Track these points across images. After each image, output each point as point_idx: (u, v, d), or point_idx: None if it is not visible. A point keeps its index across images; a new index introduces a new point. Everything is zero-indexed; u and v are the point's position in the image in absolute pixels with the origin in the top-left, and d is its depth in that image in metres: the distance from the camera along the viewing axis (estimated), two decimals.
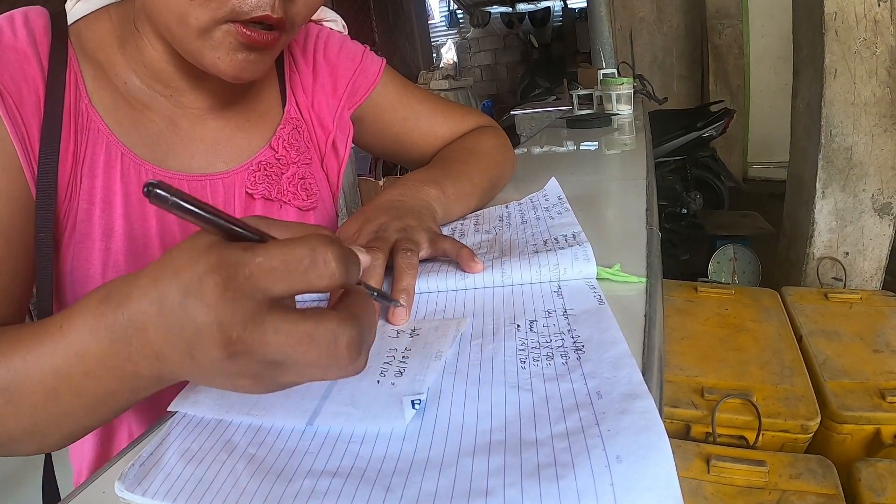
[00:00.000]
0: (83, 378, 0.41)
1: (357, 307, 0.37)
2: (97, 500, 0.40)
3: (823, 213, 2.42)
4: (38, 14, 0.65)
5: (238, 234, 0.35)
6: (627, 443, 0.34)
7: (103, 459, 0.77)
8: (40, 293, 0.65)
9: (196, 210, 0.32)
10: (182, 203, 0.31)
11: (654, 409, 0.37)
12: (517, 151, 1.52)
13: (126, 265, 0.67)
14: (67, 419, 0.44)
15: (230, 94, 0.76)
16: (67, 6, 0.69)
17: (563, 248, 0.63)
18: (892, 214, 2.36)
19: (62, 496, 0.44)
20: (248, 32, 0.58)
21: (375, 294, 0.48)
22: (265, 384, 0.37)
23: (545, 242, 0.67)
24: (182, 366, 0.37)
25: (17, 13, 0.64)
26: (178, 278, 0.34)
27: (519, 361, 0.46)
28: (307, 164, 0.81)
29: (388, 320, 0.56)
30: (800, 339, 1.74)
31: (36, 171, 0.61)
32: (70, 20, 0.68)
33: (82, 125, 0.65)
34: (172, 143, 0.72)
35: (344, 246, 0.36)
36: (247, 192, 0.75)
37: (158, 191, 0.30)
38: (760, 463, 1.26)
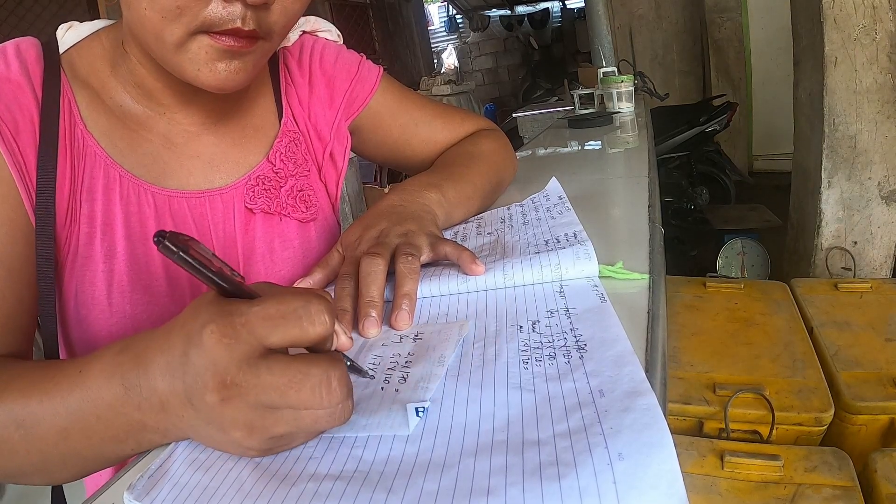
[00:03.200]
0: (94, 421, 0.43)
1: (337, 357, 0.40)
2: None
3: (830, 202, 2.40)
4: (29, 44, 0.66)
5: (235, 292, 0.39)
6: (630, 441, 0.34)
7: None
8: (43, 319, 0.66)
9: (196, 266, 0.35)
10: (185, 257, 0.34)
11: (656, 406, 0.37)
12: (520, 154, 1.52)
13: (130, 285, 0.68)
14: (75, 459, 0.47)
15: (223, 109, 0.76)
16: (58, 34, 0.69)
17: (564, 248, 0.63)
18: None
19: None
20: (224, 38, 0.58)
21: (349, 364, 0.46)
22: (258, 436, 0.39)
23: (546, 242, 0.67)
24: (183, 417, 0.40)
25: (9, 45, 0.65)
26: (183, 329, 0.38)
27: (521, 362, 0.46)
28: (305, 175, 0.81)
29: (391, 325, 0.56)
30: (811, 330, 1.73)
31: (34, 199, 0.62)
32: (62, 48, 0.69)
33: (78, 151, 0.66)
34: (169, 161, 0.72)
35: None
36: (246, 206, 0.76)
37: (167, 243, 0.33)
38: (775, 457, 1.25)
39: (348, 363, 0.45)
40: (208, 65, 0.59)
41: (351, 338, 0.48)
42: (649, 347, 0.48)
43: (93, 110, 0.68)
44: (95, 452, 0.46)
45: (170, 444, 0.45)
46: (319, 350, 0.41)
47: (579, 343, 0.47)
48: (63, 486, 0.70)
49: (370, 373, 0.48)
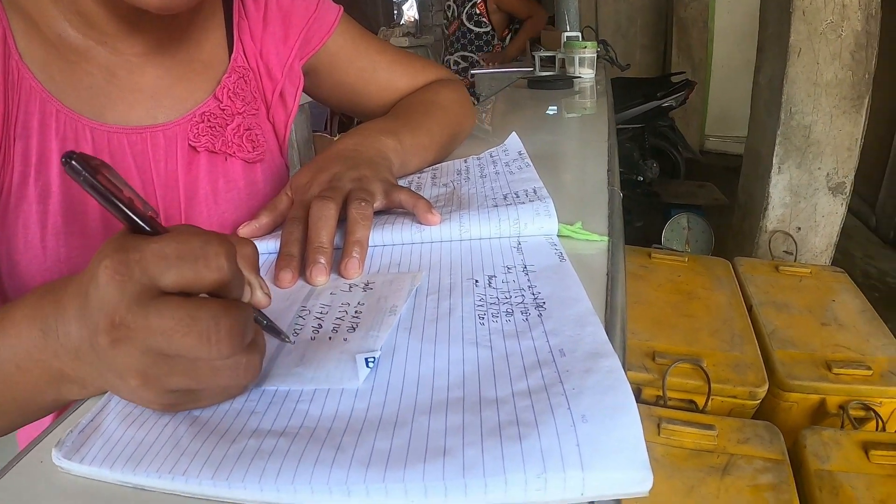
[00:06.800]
0: (14, 370, 0.40)
1: (239, 304, 0.36)
2: (35, 470, 0.37)
3: (778, 187, 2.45)
4: None
5: (144, 227, 0.35)
6: (593, 402, 0.32)
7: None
8: None
9: (104, 192, 0.32)
10: (92, 181, 0.31)
11: (619, 369, 0.36)
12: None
13: (65, 227, 0.64)
14: None
15: (169, 40, 0.71)
16: None
17: (523, 203, 0.61)
18: (845, 194, 2.40)
19: None
20: None
21: (265, 323, 0.41)
22: (154, 387, 0.35)
23: (505, 197, 0.65)
24: (93, 363, 0.36)
25: None
26: (90, 268, 0.35)
27: (477, 317, 0.44)
28: (253, 114, 0.77)
29: (340, 274, 0.53)
30: (750, 308, 1.76)
31: None
32: None
33: (13, 83, 0.61)
34: (110, 94, 0.67)
35: (237, 252, 0.37)
36: (190, 144, 0.71)
37: (74, 163, 0.30)
38: (710, 427, 1.28)
39: (265, 322, 0.41)
40: None
41: (269, 295, 0.43)
42: (608, 310, 0.47)
43: (30, 40, 0.62)
44: (16, 406, 0.42)
45: (102, 396, 0.41)
46: (224, 297, 0.36)
47: (538, 301, 0.45)
48: None
49: (290, 339, 0.42)
